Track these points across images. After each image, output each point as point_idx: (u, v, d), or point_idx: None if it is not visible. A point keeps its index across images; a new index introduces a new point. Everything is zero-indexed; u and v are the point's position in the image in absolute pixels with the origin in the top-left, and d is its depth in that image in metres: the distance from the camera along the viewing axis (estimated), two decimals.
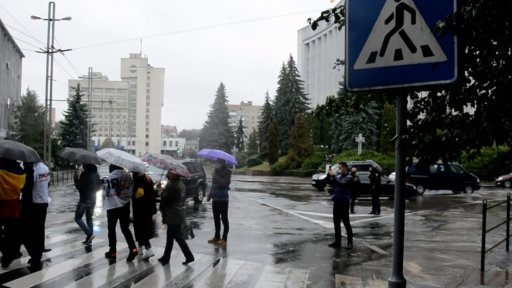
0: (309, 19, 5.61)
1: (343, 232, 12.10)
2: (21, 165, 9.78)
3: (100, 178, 12.61)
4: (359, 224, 15.93)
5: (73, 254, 10.48)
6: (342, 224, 12.08)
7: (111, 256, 10.14)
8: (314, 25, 5.34)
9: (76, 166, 11.37)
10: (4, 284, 7.93)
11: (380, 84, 4.38)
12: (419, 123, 4.69)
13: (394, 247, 4.45)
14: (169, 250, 9.68)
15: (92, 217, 12.50)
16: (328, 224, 15.91)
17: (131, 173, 10.51)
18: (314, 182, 35.81)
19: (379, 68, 4.34)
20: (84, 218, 12.02)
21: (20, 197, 9.44)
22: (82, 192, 12.03)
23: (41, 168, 10.00)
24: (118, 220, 10.19)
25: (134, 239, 10.23)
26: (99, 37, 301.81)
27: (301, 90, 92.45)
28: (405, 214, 16.70)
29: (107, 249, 10.27)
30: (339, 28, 5.67)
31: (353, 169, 21.43)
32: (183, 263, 9.50)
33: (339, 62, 6.42)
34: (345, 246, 11.75)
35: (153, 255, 10.12)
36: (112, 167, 10.34)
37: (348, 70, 4.51)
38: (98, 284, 8.04)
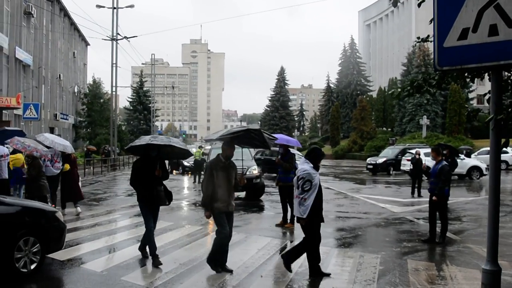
0: None
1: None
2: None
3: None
4: (427, 208, 15.42)
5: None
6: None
7: None
8: (395, 2, 5.16)
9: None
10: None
11: (472, 62, 4.11)
12: None
13: (488, 233, 4.26)
14: None
15: None
16: (395, 208, 15.66)
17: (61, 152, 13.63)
18: (371, 166, 33.83)
19: (472, 45, 4.09)
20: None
21: None
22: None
23: (0, 149, 12.32)
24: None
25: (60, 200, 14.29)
26: (154, 24, 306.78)
27: (363, 72, 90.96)
28: (475, 198, 15.97)
29: (173, 232, 10.83)
30: (419, 6, 5.46)
31: (418, 150, 20.95)
32: None
33: (420, 40, 6.16)
34: (437, 241, 10.47)
35: (80, 212, 13.90)
36: (48, 147, 13.02)
37: (437, 48, 4.27)
38: (171, 267, 8.15)
